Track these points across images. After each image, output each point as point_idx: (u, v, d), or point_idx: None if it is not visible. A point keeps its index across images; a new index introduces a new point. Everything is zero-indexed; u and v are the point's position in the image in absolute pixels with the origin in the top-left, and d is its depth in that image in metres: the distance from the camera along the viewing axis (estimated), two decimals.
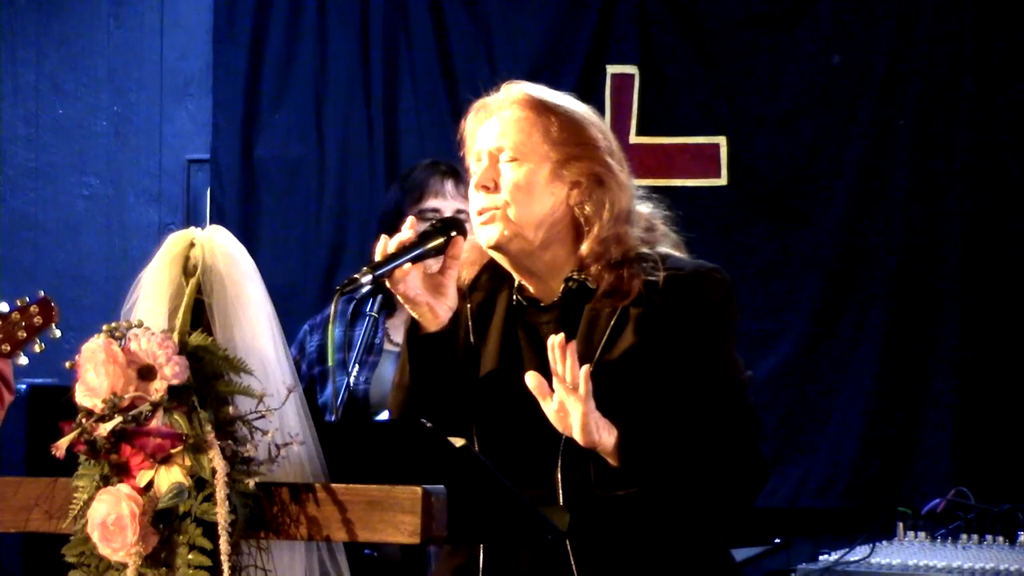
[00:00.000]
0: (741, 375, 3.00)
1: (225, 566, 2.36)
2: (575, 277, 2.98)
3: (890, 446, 5.68)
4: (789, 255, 5.80)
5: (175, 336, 2.46)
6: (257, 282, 2.55)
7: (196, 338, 2.46)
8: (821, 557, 4.53)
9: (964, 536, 4.46)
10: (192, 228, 2.56)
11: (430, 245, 2.92)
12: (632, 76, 5.91)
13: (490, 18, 6.04)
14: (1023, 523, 4.45)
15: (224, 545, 2.36)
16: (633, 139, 5.88)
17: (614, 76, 5.93)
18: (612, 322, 2.93)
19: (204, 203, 6.19)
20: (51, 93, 6.30)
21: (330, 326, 2.92)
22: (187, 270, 2.52)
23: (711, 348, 2.95)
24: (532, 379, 2.80)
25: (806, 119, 5.81)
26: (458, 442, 2.49)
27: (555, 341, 2.78)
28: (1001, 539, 4.42)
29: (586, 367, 2.78)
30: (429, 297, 2.92)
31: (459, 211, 4.77)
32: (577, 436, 2.79)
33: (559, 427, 2.81)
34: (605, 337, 2.92)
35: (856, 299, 5.74)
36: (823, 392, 5.75)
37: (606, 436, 2.81)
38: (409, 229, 2.92)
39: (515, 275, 3.02)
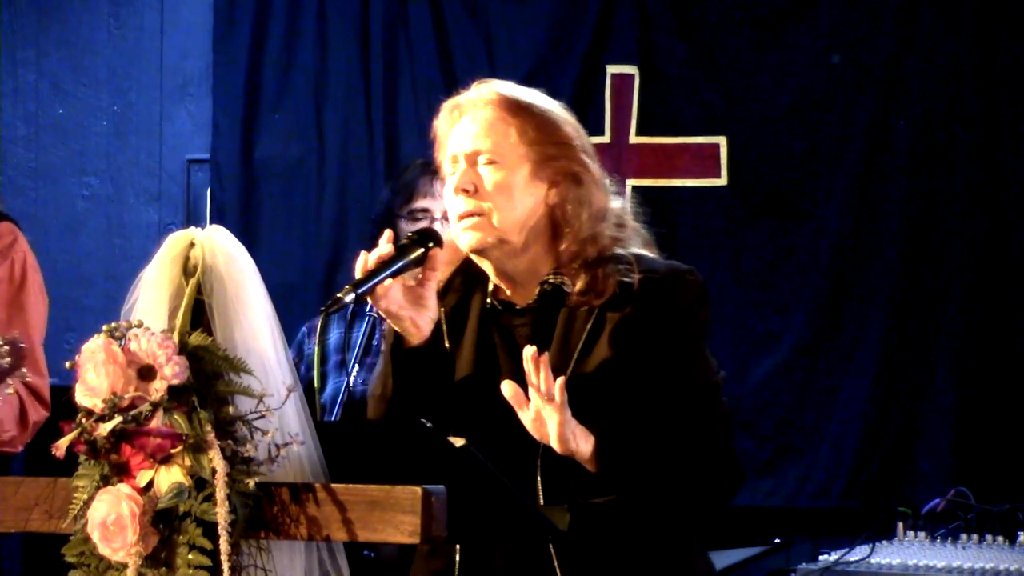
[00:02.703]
0: (715, 376, 2.98)
1: (225, 566, 2.36)
2: (551, 280, 2.98)
3: (890, 446, 5.68)
4: (789, 255, 5.79)
5: (175, 336, 2.46)
6: (257, 282, 2.55)
7: (196, 338, 2.46)
8: (821, 557, 4.53)
9: (964, 536, 4.46)
10: (192, 228, 2.56)
11: (409, 258, 2.90)
12: (632, 76, 5.91)
13: (490, 18, 6.04)
14: (1023, 523, 4.45)
15: (224, 545, 2.36)
16: (633, 139, 5.88)
17: (614, 76, 5.93)
18: (588, 326, 2.93)
19: (204, 203, 6.19)
20: (51, 93, 6.30)
21: (316, 346, 2.90)
22: (187, 270, 2.52)
23: (686, 350, 2.95)
24: (508, 388, 2.80)
25: (806, 119, 5.81)
26: (458, 442, 2.49)
27: (528, 353, 2.78)
28: (1001, 539, 4.42)
29: (561, 378, 2.78)
30: (411, 311, 2.91)
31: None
32: (554, 445, 2.80)
33: (536, 436, 2.81)
34: (582, 341, 2.92)
35: (856, 299, 5.74)
36: (823, 392, 5.75)
37: (583, 444, 2.81)
38: (387, 244, 2.90)
39: (492, 278, 3.02)
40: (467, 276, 3.04)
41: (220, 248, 2.53)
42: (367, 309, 4.69)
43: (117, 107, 6.30)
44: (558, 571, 2.88)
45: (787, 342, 5.77)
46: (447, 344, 2.99)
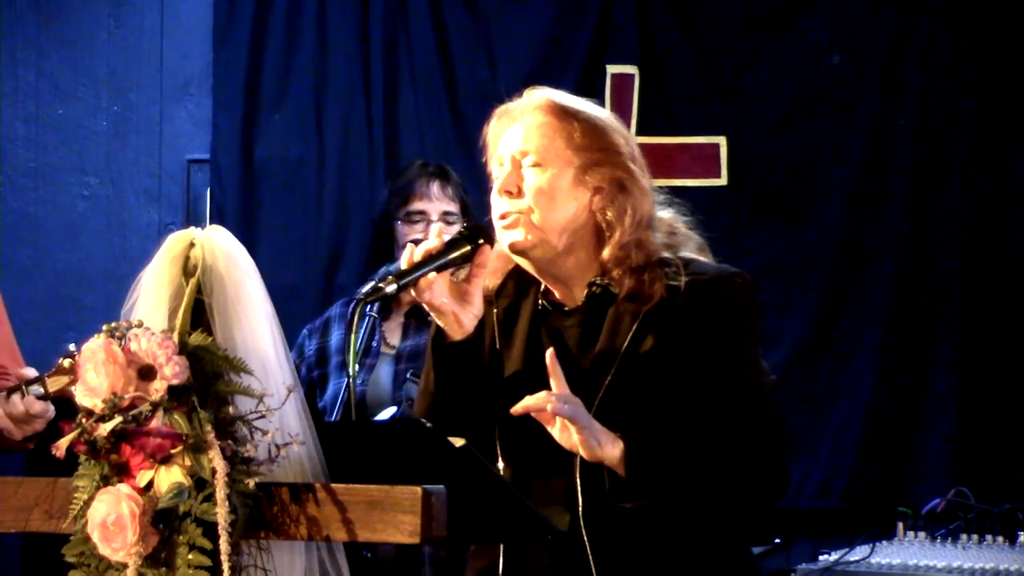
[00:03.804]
0: (764, 379, 2.97)
1: (225, 566, 2.36)
2: (598, 282, 2.98)
3: (890, 446, 5.68)
4: (789, 255, 5.80)
5: (175, 336, 2.46)
6: (257, 282, 2.54)
7: (196, 338, 2.46)
8: (821, 557, 4.53)
9: (964, 536, 4.47)
10: (192, 228, 2.56)
11: (457, 253, 2.91)
12: (632, 76, 5.91)
13: (490, 18, 6.04)
14: (1023, 523, 4.45)
15: (224, 545, 2.36)
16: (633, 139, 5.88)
17: (614, 76, 5.93)
18: (634, 327, 2.93)
19: (204, 203, 6.19)
20: (51, 93, 6.30)
21: (351, 336, 2.89)
22: (187, 270, 2.51)
23: (733, 352, 2.94)
24: (521, 407, 2.79)
25: (806, 119, 5.81)
26: (458, 442, 2.49)
27: (548, 355, 2.81)
28: (1001, 539, 4.43)
29: (564, 390, 2.79)
30: (455, 306, 2.92)
31: (445, 213, 4.79)
32: (580, 452, 2.81)
33: (564, 444, 2.82)
34: (627, 342, 2.92)
35: (856, 299, 5.75)
36: (823, 392, 5.76)
37: (610, 449, 2.81)
38: (436, 237, 2.91)
39: (540, 280, 3.03)
40: (519, 280, 3.06)
41: (220, 248, 2.52)
42: (367, 309, 4.69)
43: (117, 107, 6.30)
44: (594, 570, 2.88)
45: (787, 342, 5.77)
46: (498, 344, 3.00)
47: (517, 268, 3.04)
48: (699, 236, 3.10)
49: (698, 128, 5.88)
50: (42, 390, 3.57)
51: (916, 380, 5.69)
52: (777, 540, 5.23)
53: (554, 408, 2.77)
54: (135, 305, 2.52)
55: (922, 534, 4.51)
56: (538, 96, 3.02)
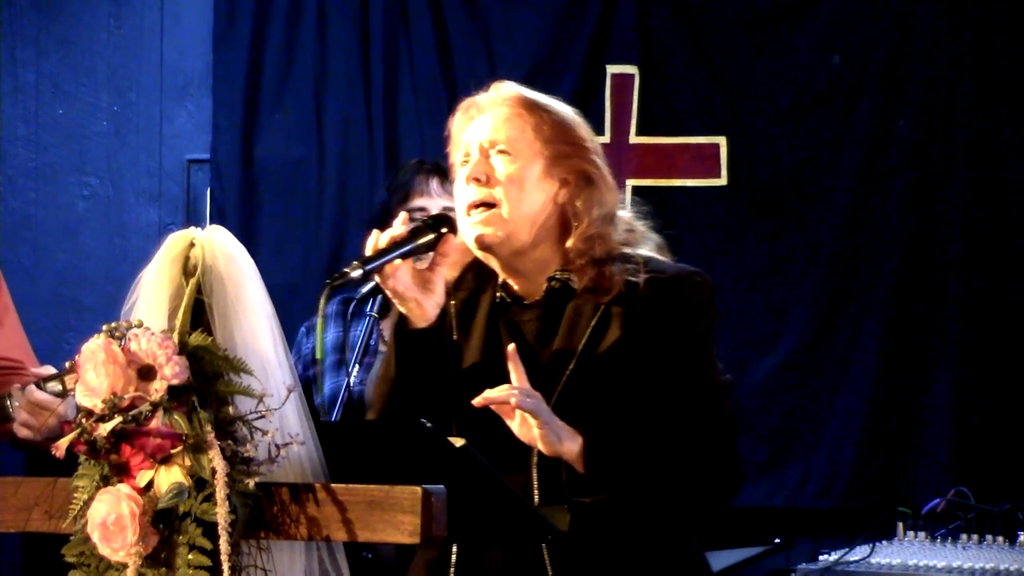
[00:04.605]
0: (720, 378, 3.00)
1: (225, 566, 2.36)
2: (558, 276, 3.00)
3: (890, 446, 5.68)
4: (789, 255, 5.79)
5: (175, 336, 2.46)
6: (257, 282, 2.55)
7: (196, 338, 2.46)
8: (821, 557, 4.53)
9: (964, 536, 4.46)
10: (192, 228, 2.56)
11: (421, 241, 2.93)
12: (632, 76, 5.91)
13: (490, 18, 6.04)
14: (1023, 523, 4.45)
15: (224, 545, 2.36)
16: (633, 139, 5.88)
17: (614, 76, 5.92)
18: (593, 322, 2.95)
19: (204, 203, 6.19)
20: (51, 93, 6.30)
21: (319, 320, 2.90)
22: (187, 270, 2.51)
23: (690, 351, 2.96)
24: (482, 400, 2.80)
25: (806, 119, 5.81)
26: (458, 442, 2.49)
27: (510, 350, 2.82)
28: (1001, 539, 4.42)
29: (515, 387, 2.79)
30: (418, 293, 2.93)
31: (446, 208, 4.78)
32: (539, 446, 2.81)
33: (523, 439, 2.83)
34: (586, 337, 2.94)
35: (856, 299, 5.74)
36: (823, 392, 5.75)
37: (570, 444, 2.83)
38: (401, 225, 2.92)
39: (500, 273, 3.03)
40: (478, 272, 3.07)
41: (220, 248, 2.52)
42: (367, 309, 4.69)
43: (117, 107, 6.30)
44: (549, 569, 2.88)
45: (787, 342, 5.77)
46: (455, 336, 3.01)
47: (476, 260, 3.05)
48: (657, 236, 3.11)
49: (698, 128, 5.88)
50: (60, 387, 3.58)
51: (916, 380, 5.68)
52: (777, 540, 5.23)
53: (517, 402, 2.77)
54: (135, 305, 2.52)
55: (922, 534, 4.50)
56: (506, 89, 3.06)
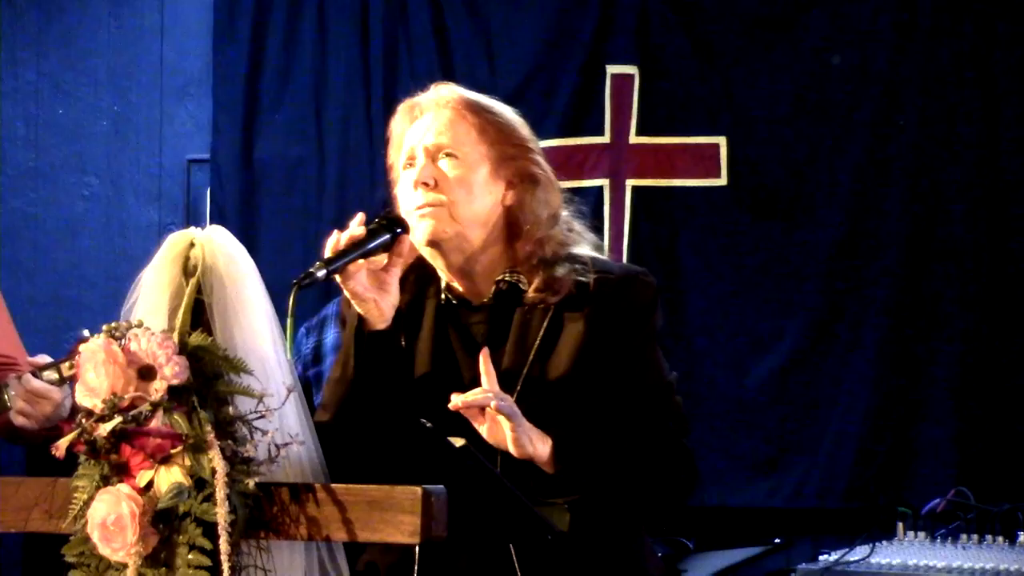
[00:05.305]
0: (668, 376, 3.02)
1: (225, 566, 2.36)
2: (507, 278, 3.00)
3: (890, 446, 5.68)
4: (789, 255, 5.79)
5: (175, 336, 2.46)
6: (257, 282, 2.55)
7: (196, 338, 2.46)
8: (821, 557, 4.53)
9: (964, 536, 4.46)
10: (192, 228, 2.56)
11: (378, 241, 2.91)
12: (632, 76, 5.91)
13: (490, 18, 6.04)
14: (1023, 523, 4.45)
15: (224, 545, 2.36)
16: (633, 139, 5.88)
17: (614, 76, 5.92)
18: (545, 325, 2.96)
19: (204, 203, 6.19)
20: (51, 93, 6.30)
21: (289, 320, 2.89)
22: (187, 270, 2.52)
23: (640, 352, 2.98)
24: (457, 401, 2.79)
25: (806, 119, 5.81)
26: (458, 442, 2.49)
27: (483, 356, 2.82)
28: (1001, 539, 4.42)
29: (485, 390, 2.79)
30: (375, 293, 2.92)
31: None
32: (510, 450, 2.81)
33: (492, 442, 2.82)
34: (538, 340, 2.95)
35: (856, 299, 5.74)
36: (823, 392, 5.75)
37: (540, 447, 2.83)
38: (359, 225, 2.92)
39: (444, 274, 3.03)
40: (420, 274, 3.06)
41: (220, 248, 2.53)
42: None
43: (117, 107, 6.30)
44: (518, 570, 2.88)
45: (787, 342, 5.77)
46: (403, 341, 2.99)
47: (418, 262, 3.04)
48: (594, 236, 3.12)
49: (698, 128, 5.88)
50: (56, 375, 3.58)
51: (916, 380, 5.68)
52: (777, 540, 5.23)
53: (497, 405, 2.77)
54: (135, 305, 2.52)
55: (922, 534, 4.50)
56: (447, 91, 3.09)
